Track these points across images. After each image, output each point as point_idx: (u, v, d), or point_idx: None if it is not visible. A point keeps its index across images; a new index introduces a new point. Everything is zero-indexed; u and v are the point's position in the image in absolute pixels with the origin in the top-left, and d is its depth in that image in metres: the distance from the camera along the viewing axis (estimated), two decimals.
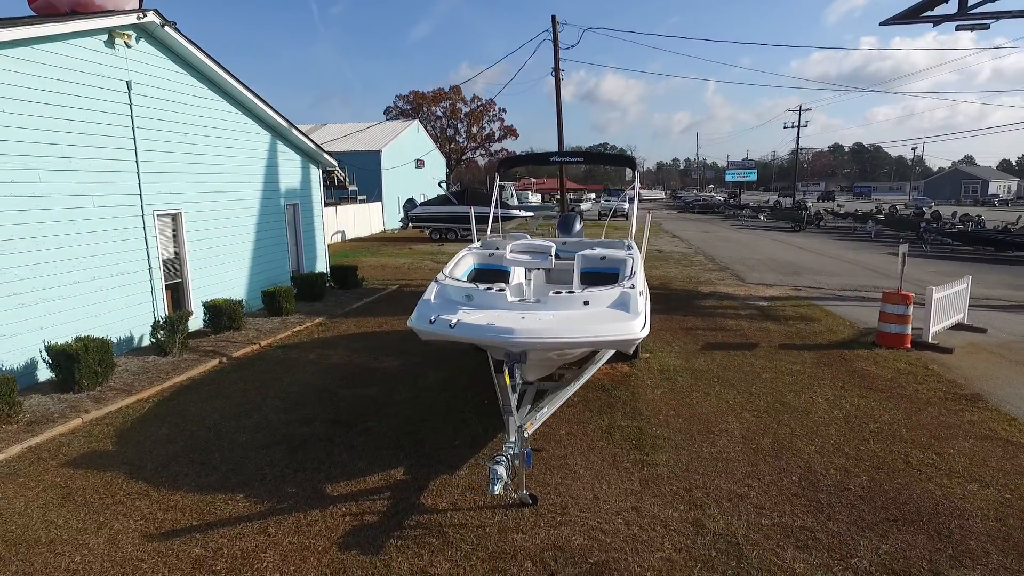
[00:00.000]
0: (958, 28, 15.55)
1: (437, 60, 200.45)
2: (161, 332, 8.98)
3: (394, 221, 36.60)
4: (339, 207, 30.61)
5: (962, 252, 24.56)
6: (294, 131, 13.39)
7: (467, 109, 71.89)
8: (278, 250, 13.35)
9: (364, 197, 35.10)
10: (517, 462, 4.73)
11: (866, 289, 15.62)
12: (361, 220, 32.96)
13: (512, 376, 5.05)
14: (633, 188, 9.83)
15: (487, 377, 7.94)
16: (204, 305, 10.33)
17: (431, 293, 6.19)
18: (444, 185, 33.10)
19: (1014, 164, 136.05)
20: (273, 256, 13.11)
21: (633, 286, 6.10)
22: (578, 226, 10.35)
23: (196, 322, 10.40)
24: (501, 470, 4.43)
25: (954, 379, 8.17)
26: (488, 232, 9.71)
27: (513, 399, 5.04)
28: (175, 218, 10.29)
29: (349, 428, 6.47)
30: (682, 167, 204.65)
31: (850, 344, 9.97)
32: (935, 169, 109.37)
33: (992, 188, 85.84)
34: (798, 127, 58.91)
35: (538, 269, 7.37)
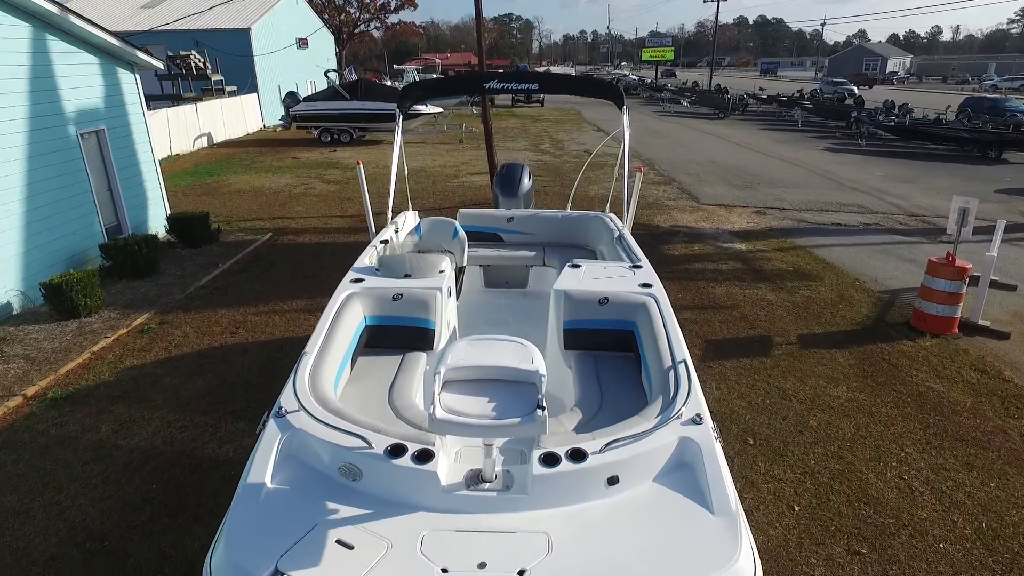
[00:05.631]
0: None
1: None
2: None
3: (275, 117, 30.75)
4: (200, 103, 24.61)
5: (898, 147, 23.25)
6: (72, 19, 8.62)
7: None
8: (74, 206, 9.00)
9: (234, 88, 28.85)
10: None
11: (832, 208, 14.07)
12: (233, 118, 27.15)
13: None
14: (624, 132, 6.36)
15: None
16: None
17: (264, 461, 2.57)
18: (332, 76, 27.45)
19: (901, 39, 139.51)
20: (64, 217, 8.80)
21: (699, 418, 2.75)
22: (527, 181, 6.88)
23: None
24: None
25: None
26: (379, 235, 5.12)
27: None
28: None
29: None
30: (590, 40, 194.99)
31: (882, 331, 7.58)
32: (831, 43, 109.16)
33: (890, 66, 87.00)
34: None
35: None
